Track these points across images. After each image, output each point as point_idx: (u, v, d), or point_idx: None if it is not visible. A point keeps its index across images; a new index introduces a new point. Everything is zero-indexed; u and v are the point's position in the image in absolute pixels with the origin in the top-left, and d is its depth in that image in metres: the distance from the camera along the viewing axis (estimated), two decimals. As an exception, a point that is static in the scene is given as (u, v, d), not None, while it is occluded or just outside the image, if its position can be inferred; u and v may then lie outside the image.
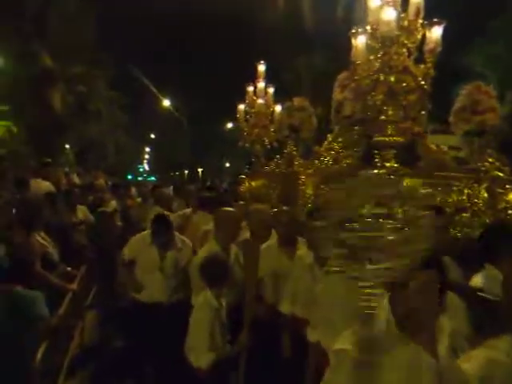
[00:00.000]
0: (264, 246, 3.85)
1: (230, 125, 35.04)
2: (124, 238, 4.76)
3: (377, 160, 3.38)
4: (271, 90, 6.91)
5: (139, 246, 4.13)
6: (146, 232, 4.25)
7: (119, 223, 7.32)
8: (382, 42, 3.29)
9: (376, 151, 3.55)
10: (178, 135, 37.32)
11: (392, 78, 3.31)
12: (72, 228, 6.54)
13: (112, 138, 21.88)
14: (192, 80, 34.84)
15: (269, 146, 7.00)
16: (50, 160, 8.94)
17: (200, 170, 38.42)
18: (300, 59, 18.46)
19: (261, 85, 6.81)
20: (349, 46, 4.06)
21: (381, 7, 3.36)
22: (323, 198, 4.38)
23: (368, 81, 3.41)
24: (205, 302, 3.06)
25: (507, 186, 4.14)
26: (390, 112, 3.45)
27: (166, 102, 34.84)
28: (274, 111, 6.91)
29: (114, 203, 7.96)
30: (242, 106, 7.08)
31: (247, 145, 7.22)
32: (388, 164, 3.32)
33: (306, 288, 3.07)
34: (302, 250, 3.39)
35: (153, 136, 43.29)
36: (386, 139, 3.40)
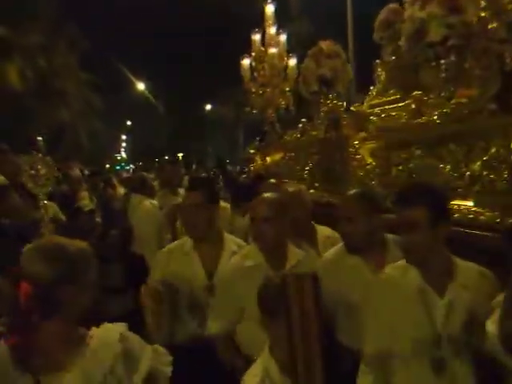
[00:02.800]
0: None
1: (208, 107, 33.21)
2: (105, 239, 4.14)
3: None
4: (283, 38, 5.36)
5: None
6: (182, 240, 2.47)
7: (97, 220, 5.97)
8: None
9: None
10: (156, 121, 35.38)
11: None
12: (34, 228, 5.06)
13: (85, 124, 19.75)
14: (168, 62, 32.73)
15: (284, 111, 5.49)
16: (5, 147, 7.24)
17: (180, 155, 36.63)
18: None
19: (271, 30, 5.26)
20: None
21: None
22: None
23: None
24: None
25: None
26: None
27: (141, 86, 32.67)
28: (287, 65, 5.40)
29: (85, 194, 6.49)
30: (246, 61, 5.50)
31: (255, 111, 5.69)
32: None
33: None
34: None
35: (129, 123, 41.09)
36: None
